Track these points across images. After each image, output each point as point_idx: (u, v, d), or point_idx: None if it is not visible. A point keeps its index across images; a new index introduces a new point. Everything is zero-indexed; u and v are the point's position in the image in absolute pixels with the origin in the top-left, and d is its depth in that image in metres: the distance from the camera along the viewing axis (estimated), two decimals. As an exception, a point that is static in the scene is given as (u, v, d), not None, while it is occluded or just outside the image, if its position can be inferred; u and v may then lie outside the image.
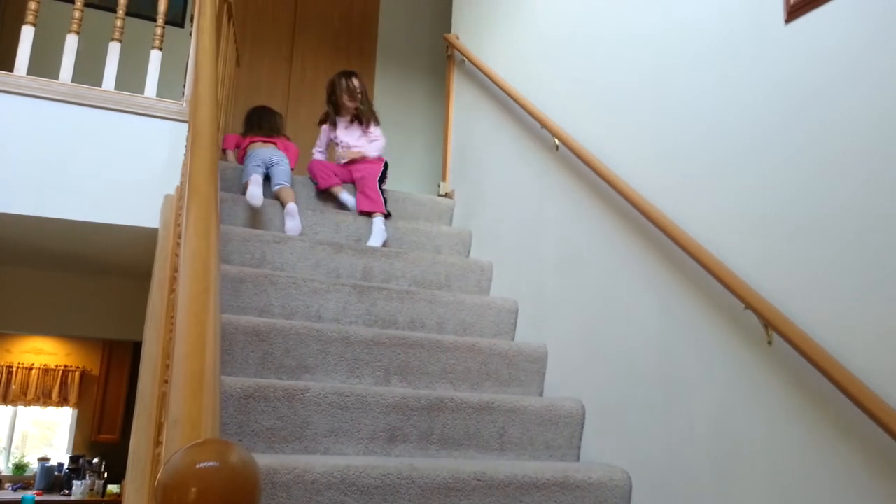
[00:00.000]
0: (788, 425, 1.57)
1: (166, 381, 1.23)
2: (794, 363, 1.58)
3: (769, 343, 1.64)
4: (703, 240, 1.88)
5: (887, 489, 1.35)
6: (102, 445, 6.81)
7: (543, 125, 2.69)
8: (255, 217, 2.98)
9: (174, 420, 0.87)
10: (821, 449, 1.49)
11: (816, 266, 1.57)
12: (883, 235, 1.44)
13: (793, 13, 1.76)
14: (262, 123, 3.53)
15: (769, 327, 1.61)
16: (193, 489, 0.62)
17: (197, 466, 0.64)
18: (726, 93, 1.90)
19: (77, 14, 2.81)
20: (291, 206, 2.96)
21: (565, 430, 2.23)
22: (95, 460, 6.54)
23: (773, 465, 1.59)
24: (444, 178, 3.67)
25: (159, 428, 1.44)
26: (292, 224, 2.93)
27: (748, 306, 1.65)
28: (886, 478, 1.35)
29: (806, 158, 1.64)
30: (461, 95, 3.66)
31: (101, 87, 2.78)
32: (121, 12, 2.90)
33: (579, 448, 2.24)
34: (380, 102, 5.10)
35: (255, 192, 2.92)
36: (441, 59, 5.16)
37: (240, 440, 1.90)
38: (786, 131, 1.70)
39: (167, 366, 1.30)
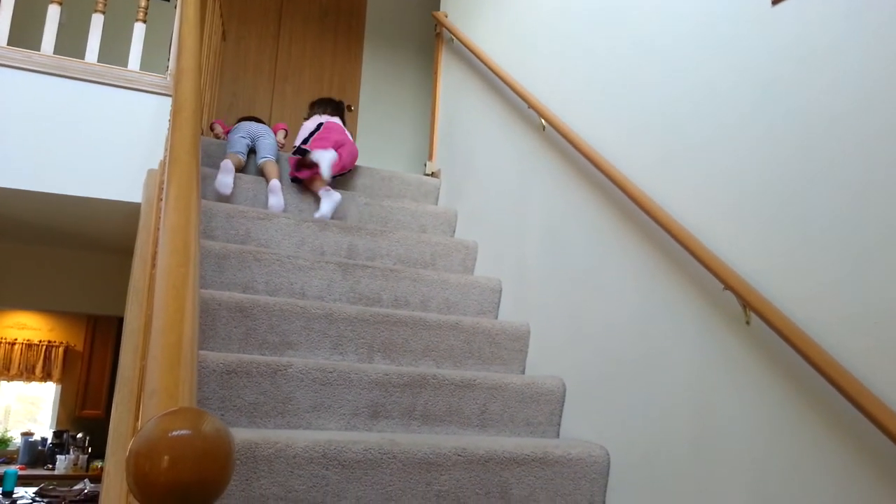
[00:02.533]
0: (765, 403, 1.60)
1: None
2: (771, 343, 1.60)
3: (747, 323, 1.66)
4: (683, 220, 1.90)
5: (860, 464, 1.38)
6: (86, 421, 6.81)
7: (530, 105, 2.68)
8: (238, 194, 2.97)
9: (151, 391, 0.87)
10: (796, 426, 1.52)
11: (794, 247, 1.58)
12: (859, 217, 1.45)
13: (779, -5, 1.76)
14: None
15: (747, 307, 1.63)
16: (166, 457, 0.62)
17: (170, 435, 0.64)
18: (710, 73, 1.91)
19: (59, -16, 2.76)
20: (274, 182, 2.94)
21: (546, 407, 2.25)
22: (79, 435, 6.54)
23: (749, 441, 1.62)
24: (430, 158, 3.66)
25: (140, 402, 1.44)
26: (275, 201, 2.92)
27: (727, 286, 1.66)
28: (859, 453, 1.38)
29: (786, 140, 1.65)
30: (449, 74, 3.64)
31: (84, 59, 2.74)
32: (104, -17, 2.85)
33: (559, 425, 2.27)
34: (368, 81, 5.08)
35: (225, 181, 2.86)
36: (430, 38, 5.13)
37: (222, 415, 1.91)
38: (764, 113, 1.71)
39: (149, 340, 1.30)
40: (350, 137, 3.32)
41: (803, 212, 1.58)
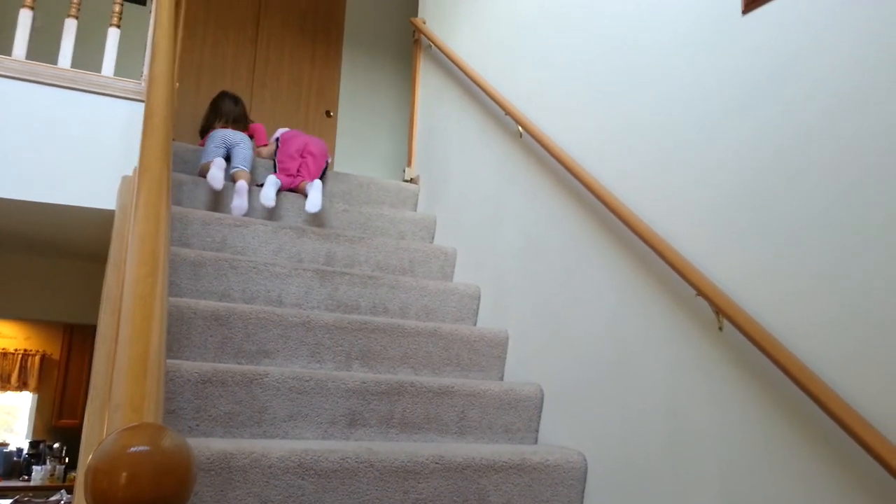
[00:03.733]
0: (737, 407, 1.61)
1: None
2: (743, 348, 1.62)
3: (720, 328, 1.67)
4: (657, 227, 1.91)
5: (829, 465, 1.39)
6: (63, 430, 6.71)
7: (507, 112, 2.69)
8: (216, 200, 2.95)
9: (116, 404, 0.86)
10: (768, 429, 1.53)
11: (766, 254, 1.60)
12: (830, 225, 1.47)
13: (750, 4, 1.78)
14: (226, 116, 3.41)
15: (720, 313, 1.64)
16: (124, 473, 0.61)
17: (128, 451, 0.63)
18: (683, 82, 1.92)
19: (31, -11, 2.73)
20: (241, 183, 2.90)
21: (524, 413, 2.26)
22: (56, 445, 6.44)
23: (722, 445, 1.63)
24: (409, 164, 3.66)
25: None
26: (238, 202, 2.87)
27: (700, 293, 1.68)
28: (828, 455, 1.40)
29: (758, 148, 1.67)
30: (427, 81, 3.64)
31: (57, 65, 2.71)
32: (77, -12, 2.82)
33: (537, 431, 2.27)
34: (346, 87, 5.07)
35: (216, 175, 2.87)
36: (408, 44, 5.13)
37: (196, 425, 1.89)
38: (739, 121, 1.73)
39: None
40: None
41: (776, 219, 1.59)
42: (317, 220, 3.04)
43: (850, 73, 1.48)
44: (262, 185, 3.03)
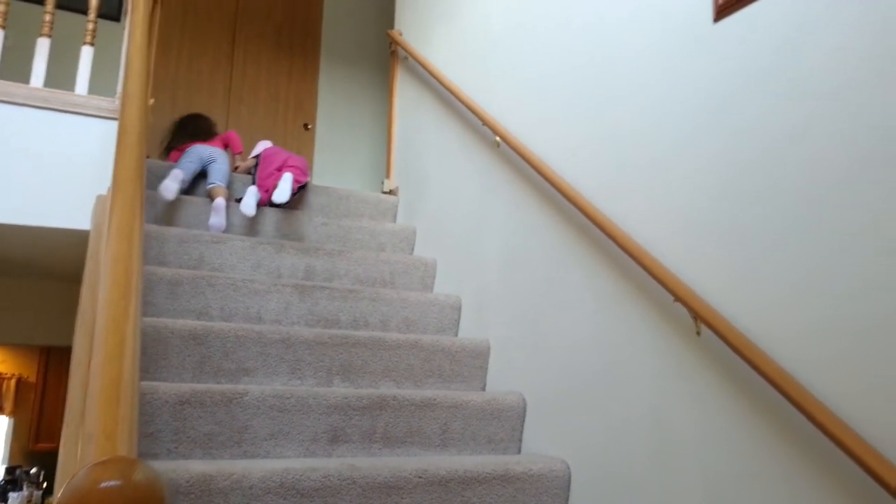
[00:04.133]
0: (718, 412, 1.62)
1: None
2: (721, 353, 1.63)
3: (698, 334, 1.68)
4: (636, 235, 1.92)
5: (809, 467, 1.40)
6: (41, 455, 6.58)
7: (484, 122, 2.70)
8: (193, 218, 2.92)
9: (89, 433, 0.85)
10: (749, 433, 1.54)
11: (744, 261, 1.62)
12: (807, 231, 1.49)
13: (721, 12, 1.81)
14: (195, 132, 3.41)
15: (698, 319, 1.65)
16: (96, 508, 0.60)
17: (100, 486, 0.61)
18: (658, 91, 1.94)
19: (2, 8, 2.70)
20: (220, 201, 2.87)
21: (507, 423, 2.25)
22: (33, 470, 6.31)
23: (705, 450, 1.64)
24: (388, 175, 3.66)
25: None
26: (216, 220, 2.84)
27: (677, 298, 1.69)
28: (808, 457, 1.41)
29: (733, 156, 1.69)
30: (405, 92, 3.65)
31: (29, 84, 2.67)
32: (49, 6, 2.80)
33: (521, 441, 2.27)
34: (324, 99, 5.06)
35: (168, 185, 2.78)
36: (386, 56, 5.14)
37: (175, 447, 1.86)
38: (714, 129, 1.75)
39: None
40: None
41: (752, 227, 1.61)
42: (293, 230, 3.03)
43: (823, 81, 1.50)
44: (240, 200, 3.01)
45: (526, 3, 2.67)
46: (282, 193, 2.93)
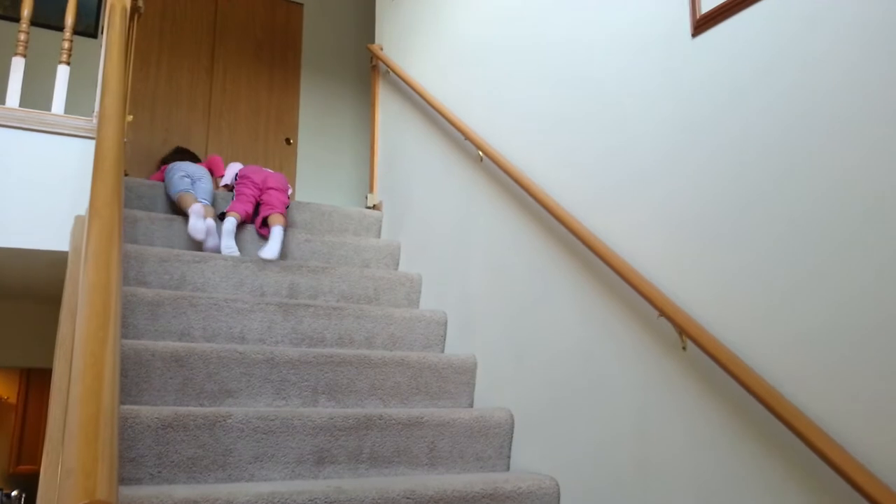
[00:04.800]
0: (704, 425, 1.62)
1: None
2: (706, 367, 1.63)
3: (683, 348, 1.69)
4: (620, 250, 1.93)
5: (795, 479, 1.40)
6: (22, 477, 6.46)
7: (467, 137, 2.70)
8: (172, 237, 2.89)
9: (68, 469, 0.83)
10: (735, 446, 1.54)
11: (729, 276, 1.62)
12: (791, 246, 1.50)
13: (699, 27, 1.82)
14: (184, 156, 3.49)
15: (683, 333, 1.66)
16: (73, 555, 0.58)
17: (76, 531, 0.60)
18: (644, 104, 1.95)
19: (-26, 27, 2.66)
20: (210, 221, 2.87)
21: (495, 440, 2.24)
22: (14, 493, 6.20)
23: (691, 465, 1.63)
24: (371, 190, 3.65)
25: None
26: (212, 241, 2.84)
27: (662, 313, 1.69)
28: (793, 469, 1.41)
29: (715, 170, 1.69)
30: (387, 106, 3.64)
31: (4, 104, 2.64)
32: (24, 26, 2.76)
33: (509, 457, 2.26)
34: (306, 114, 5.04)
35: (199, 227, 2.79)
36: (367, 70, 5.14)
37: (159, 472, 1.83)
38: (695, 144, 1.76)
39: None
40: (283, 176, 3.32)
41: (737, 241, 1.61)
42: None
43: (802, 94, 1.52)
44: (222, 218, 2.99)
45: (499, 22, 2.68)
46: (270, 250, 2.80)
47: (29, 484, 6.37)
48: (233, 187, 3.22)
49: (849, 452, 1.29)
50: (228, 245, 2.84)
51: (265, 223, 3.00)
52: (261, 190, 3.11)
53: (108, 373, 0.95)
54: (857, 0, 1.41)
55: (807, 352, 1.42)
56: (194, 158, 3.60)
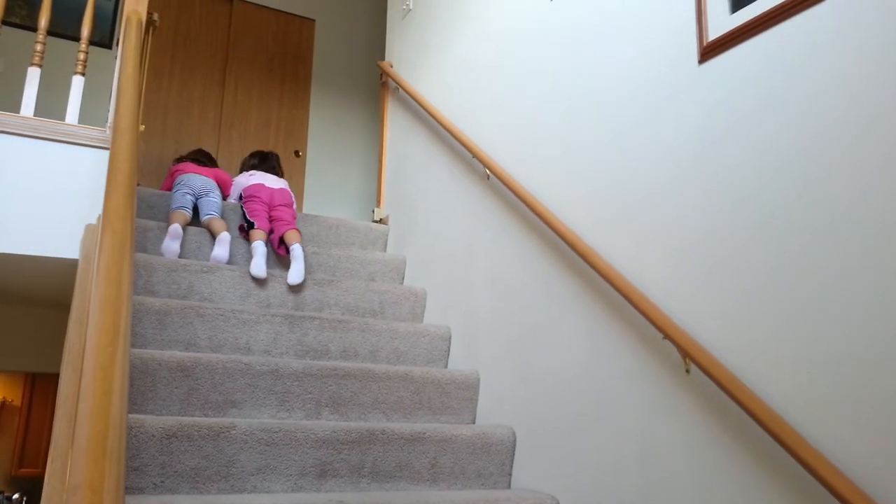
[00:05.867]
0: (707, 450, 1.62)
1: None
2: (710, 391, 1.64)
3: (687, 371, 1.69)
4: (625, 272, 1.94)
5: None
6: (24, 480, 6.48)
7: (474, 154, 2.72)
8: (183, 245, 2.91)
9: (75, 484, 0.84)
10: (737, 469, 1.54)
11: (732, 300, 1.63)
12: (795, 272, 1.51)
13: (706, 54, 1.84)
14: (198, 158, 3.48)
15: (686, 357, 1.66)
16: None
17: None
18: (651, 129, 1.96)
19: (-8, 37, 2.70)
20: (224, 234, 2.89)
21: (496, 457, 2.24)
22: (15, 496, 6.21)
23: (695, 489, 1.64)
24: (378, 204, 3.67)
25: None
26: (220, 251, 2.85)
27: (666, 336, 1.70)
28: (795, 495, 1.41)
29: (721, 196, 1.71)
30: (395, 122, 3.67)
31: (19, 113, 2.67)
32: (41, 36, 2.80)
33: (510, 475, 2.26)
34: (315, 128, 5.08)
35: (171, 248, 2.79)
36: (376, 85, 5.18)
37: (162, 482, 1.84)
38: (701, 169, 1.77)
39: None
40: (288, 190, 3.31)
41: (742, 266, 1.62)
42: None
43: (808, 122, 1.53)
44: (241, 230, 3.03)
45: (508, 45, 2.71)
46: (298, 274, 2.81)
47: (31, 486, 6.39)
48: (240, 205, 3.24)
49: (853, 481, 1.29)
50: (259, 264, 2.81)
51: (282, 241, 3.00)
52: (270, 207, 3.14)
53: (116, 388, 0.97)
54: (861, 31, 1.43)
55: (810, 377, 1.43)
56: (210, 160, 3.56)
